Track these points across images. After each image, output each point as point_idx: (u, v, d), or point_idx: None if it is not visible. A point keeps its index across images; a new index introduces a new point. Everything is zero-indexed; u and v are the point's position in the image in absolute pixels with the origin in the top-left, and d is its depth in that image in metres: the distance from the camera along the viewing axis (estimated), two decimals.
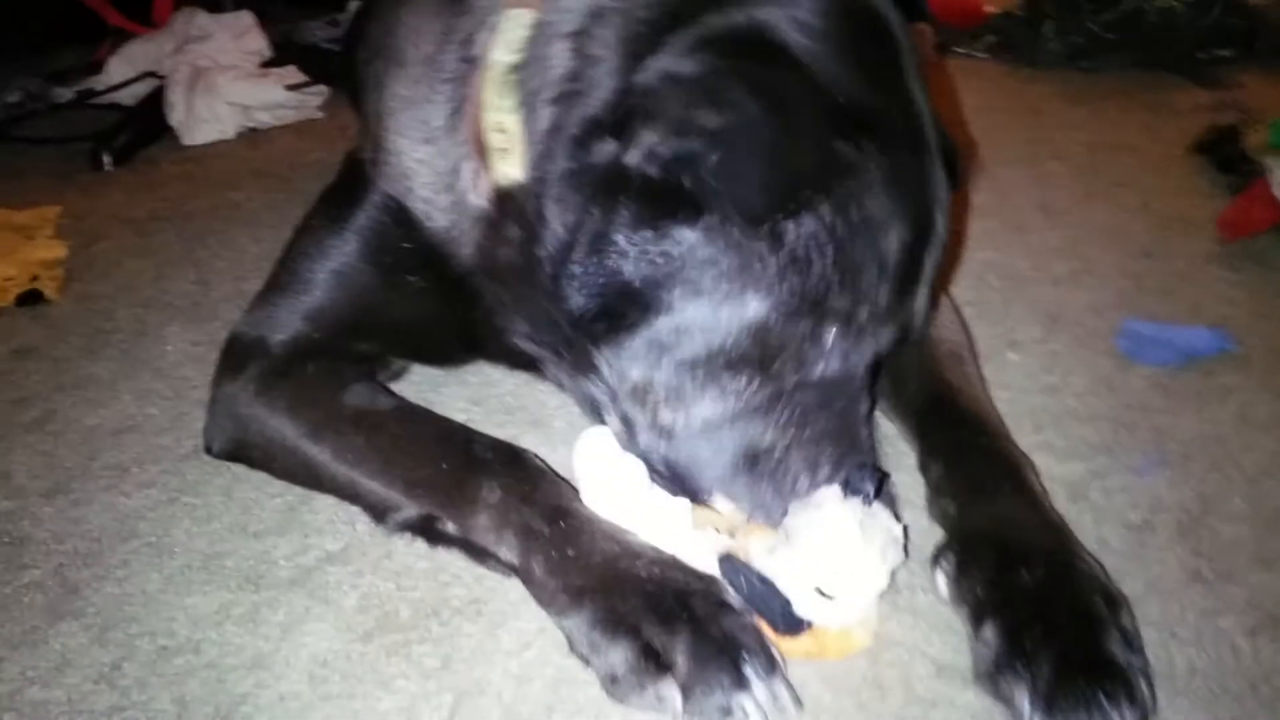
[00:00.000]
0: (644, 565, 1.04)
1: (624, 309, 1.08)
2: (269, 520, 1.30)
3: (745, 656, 0.95)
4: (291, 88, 2.94)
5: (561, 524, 1.10)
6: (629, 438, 1.16)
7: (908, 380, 1.33)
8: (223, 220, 2.28)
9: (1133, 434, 1.33)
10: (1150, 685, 0.94)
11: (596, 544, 1.07)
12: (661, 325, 1.08)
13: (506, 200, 1.21)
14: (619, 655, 0.99)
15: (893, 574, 1.05)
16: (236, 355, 1.39)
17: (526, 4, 1.18)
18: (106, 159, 2.66)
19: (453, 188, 1.30)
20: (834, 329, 1.07)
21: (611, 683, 0.99)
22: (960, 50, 3.05)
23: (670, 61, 1.05)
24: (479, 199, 1.25)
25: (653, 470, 1.15)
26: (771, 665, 0.96)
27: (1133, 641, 0.97)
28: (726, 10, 1.06)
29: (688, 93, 1.02)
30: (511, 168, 1.18)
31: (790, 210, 1.01)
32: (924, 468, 1.24)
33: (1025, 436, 1.27)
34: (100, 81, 3.11)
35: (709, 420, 1.10)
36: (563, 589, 1.05)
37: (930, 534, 1.17)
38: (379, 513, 1.24)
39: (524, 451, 1.21)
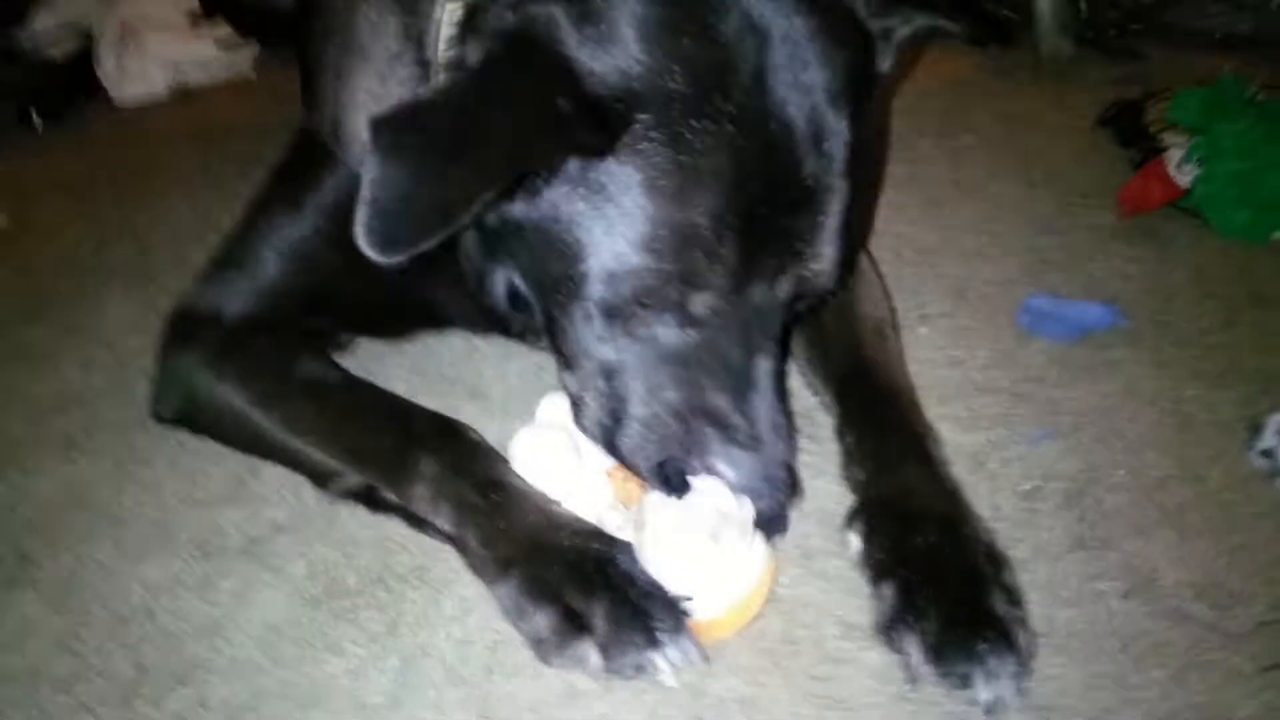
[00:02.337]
0: (566, 536, 1.12)
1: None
2: (217, 490, 1.36)
3: (656, 618, 1.04)
4: (222, 45, 2.93)
5: (493, 496, 1.17)
6: (565, 390, 1.23)
7: (830, 353, 1.42)
8: (159, 183, 2.30)
9: (1029, 406, 1.43)
10: (1029, 637, 1.05)
11: (525, 516, 1.15)
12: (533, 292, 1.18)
13: None
14: (543, 620, 1.07)
15: (769, 539, 1.13)
16: (187, 326, 1.44)
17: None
18: (36, 118, 2.65)
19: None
20: (675, 284, 1.07)
21: (538, 644, 1.08)
22: None
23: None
24: None
25: (580, 418, 1.21)
26: (680, 625, 1.05)
27: (1014, 598, 1.08)
28: (526, 7, 1.07)
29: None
30: None
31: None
32: (840, 436, 1.33)
33: (932, 408, 1.36)
34: (23, 33, 3.06)
35: (595, 378, 1.17)
36: (493, 559, 1.14)
37: (845, 499, 1.27)
38: (322, 480, 1.31)
39: (461, 425, 1.28)
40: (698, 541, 1.07)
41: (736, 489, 1.12)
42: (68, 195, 2.27)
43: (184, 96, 2.84)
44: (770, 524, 1.14)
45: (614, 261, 1.06)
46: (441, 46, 1.21)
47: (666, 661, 1.03)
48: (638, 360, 1.13)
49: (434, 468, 1.21)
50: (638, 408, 1.15)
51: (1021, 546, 1.20)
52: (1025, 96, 2.52)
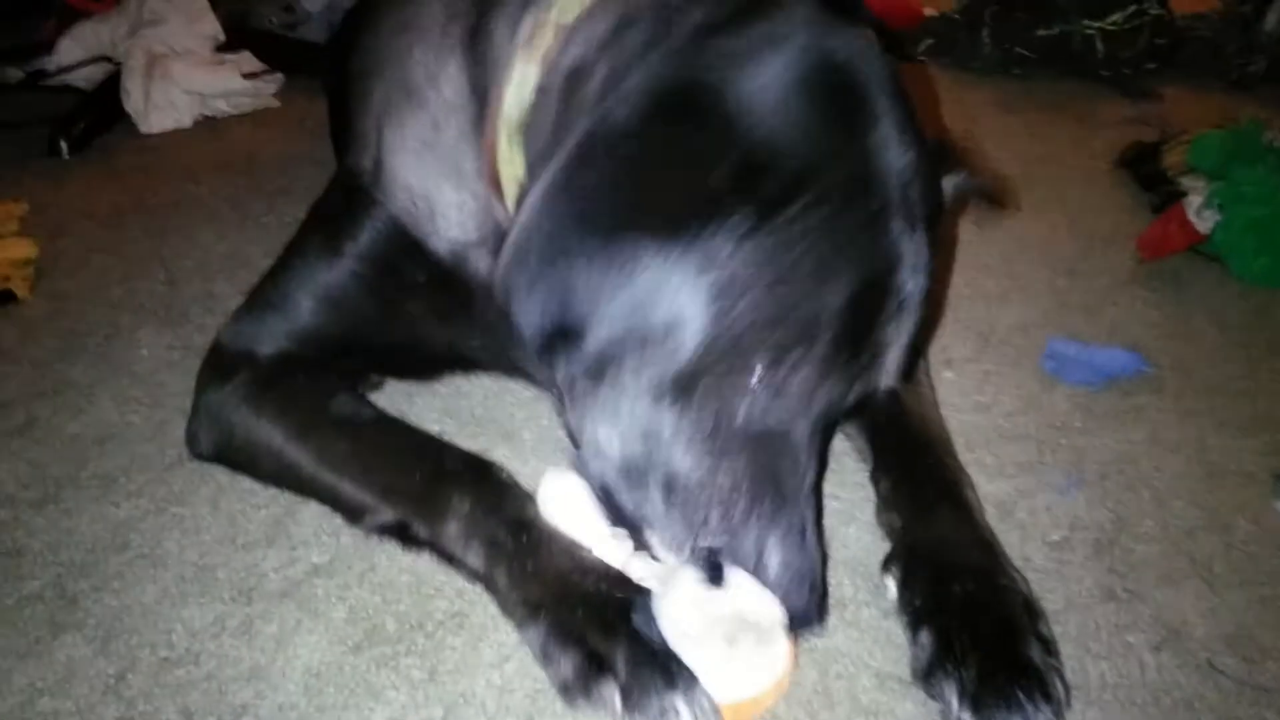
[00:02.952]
0: (592, 581, 1.14)
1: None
2: (256, 532, 1.37)
3: (676, 661, 1.06)
4: (248, 76, 2.96)
5: (524, 537, 1.20)
6: (576, 453, 1.22)
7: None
8: (186, 215, 2.32)
9: (1055, 454, 1.46)
10: (1064, 686, 1.07)
11: (553, 559, 1.18)
12: (594, 345, 1.12)
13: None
14: (568, 663, 1.09)
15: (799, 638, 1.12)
16: (222, 364, 1.46)
17: (533, 58, 1.24)
18: (64, 146, 2.68)
19: (470, 224, 1.38)
20: (759, 367, 1.08)
21: (564, 690, 1.10)
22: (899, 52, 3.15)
23: (608, 106, 1.07)
24: (479, 228, 1.36)
25: (593, 489, 1.20)
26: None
27: (1050, 647, 1.10)
28: (678, 69, 1.09)
29: (602, 135, 1.05)
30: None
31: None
32: (875, 481, 1.36)
33: (960, 454, 1.39)
34: (51, 62, 3.10)
35: (636, 444, 1.14)
36: (521, 600, 1.17)
37: (875, 548, 1.29)
38: (356, 515, 1.33)
39: (493, 465, 1.30)
40: (712, 645, 1.06)
41: (775, 585, 1.10)
42: (96, 225, 2.30)
43: (209, 127, 2.88)
44: (804, 623, 1.12)
45: (723, 335, 1.05)
46: (512, 106, 1.23)
47: (685, 704, 1.04)
48: (701, 432, 1.10)
49: (465, 506, 1.24)
50: (687, 481, 1.12)
51: (1052, 597, 1.22)
52: (1041, 137, 2.56)
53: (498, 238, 1.30)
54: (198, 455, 1.47)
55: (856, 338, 1.09)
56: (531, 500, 1.25)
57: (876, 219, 1.08)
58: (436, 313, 1.45)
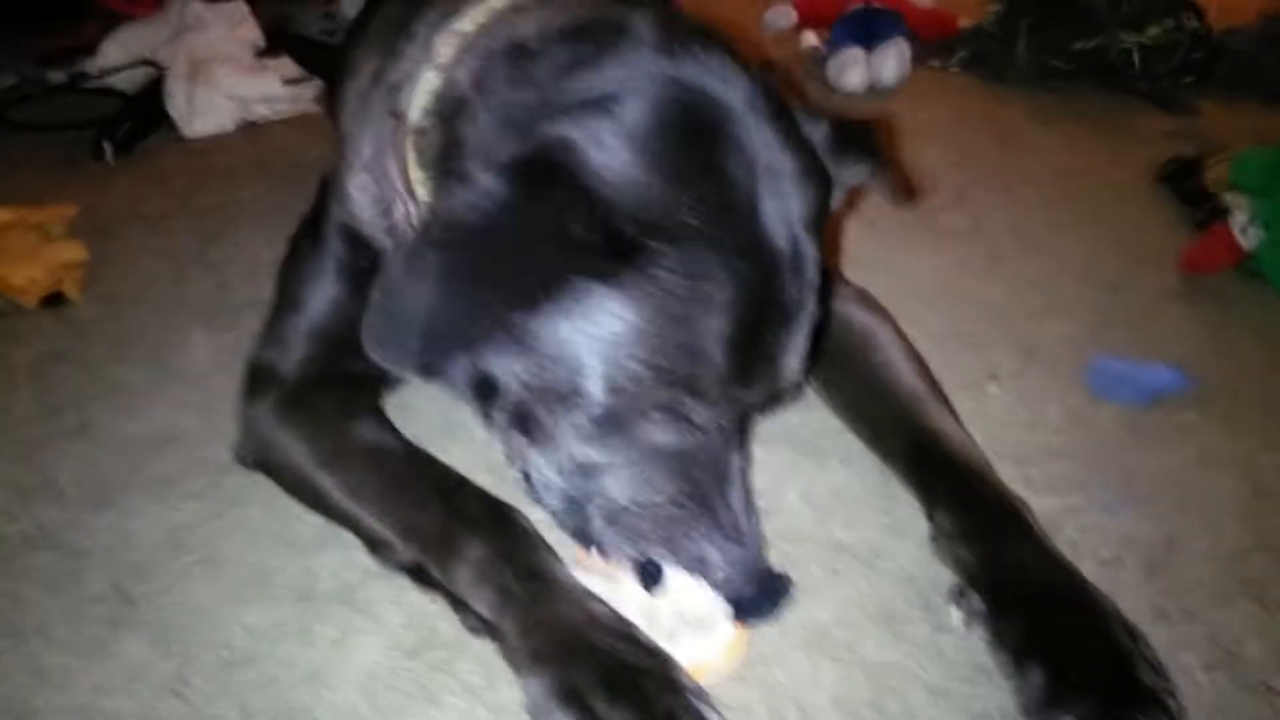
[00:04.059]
0: (602, 637, 1.11)
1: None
2: (311, 535, 1.39)
3: None
4: (289, 81, 2.99)
5: (535, 586, 1.17)
6: (527, 488, 1.29)
7: (885, 430, 1.46)
8: (232, 219, 2.35)
9: (1104, 471, 1.46)
10: (1180, 706, 1.07)
11: (564, 610, 1.15)
12: (513, 398, 1.21)
13: None
14: None
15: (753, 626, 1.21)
16: (256, 381, 1.49)
17: (434, 66, 1.29)
18: (108, 150, 2.71)
19: (389, 216, 1.41)
20: (659, 415, 1.15)
21: None
22: (934, 64, 3.16)
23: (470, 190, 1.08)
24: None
25: (549, 513, 1.28)
26: None
27: (1159, 669, 1.10)
28: (539, 124, 1.12)
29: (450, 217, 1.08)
30: None
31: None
32: (930, 516, 1.34)
33: (1007, 470, 1.39)
34: (92, 65, 3.14)
35: (574, 479, 1.23)
36: (527, 651, 1.13)
37: (924, 562, 1.30)
38: (376, 549, 1.32)
39: (511, 510, 1.28)
40: (657, 641, 1.14)
41: (719, 583, 1.19)
42: (144, 228, 2.32)
43: (250, 131, 2.90)
44: (753, 612, 1.20)
45: (621, 378, 1.12)
46: (416, 111, 1.29)
47: None
48: (626, 461, 1.19)
49: (479, 551, 1.21)
50: (622, 504, 1.21)
51: None
52: (1079, 150, 2.56)
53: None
54: (245, 465, 1.49)
55: (749, 353, 1.14)
56: (549, 549, 1.24)
57: (745, 243, 1.12)
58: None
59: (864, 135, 1.34)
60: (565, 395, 1.16)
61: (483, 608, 1.19)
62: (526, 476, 1.29)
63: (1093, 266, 2.01)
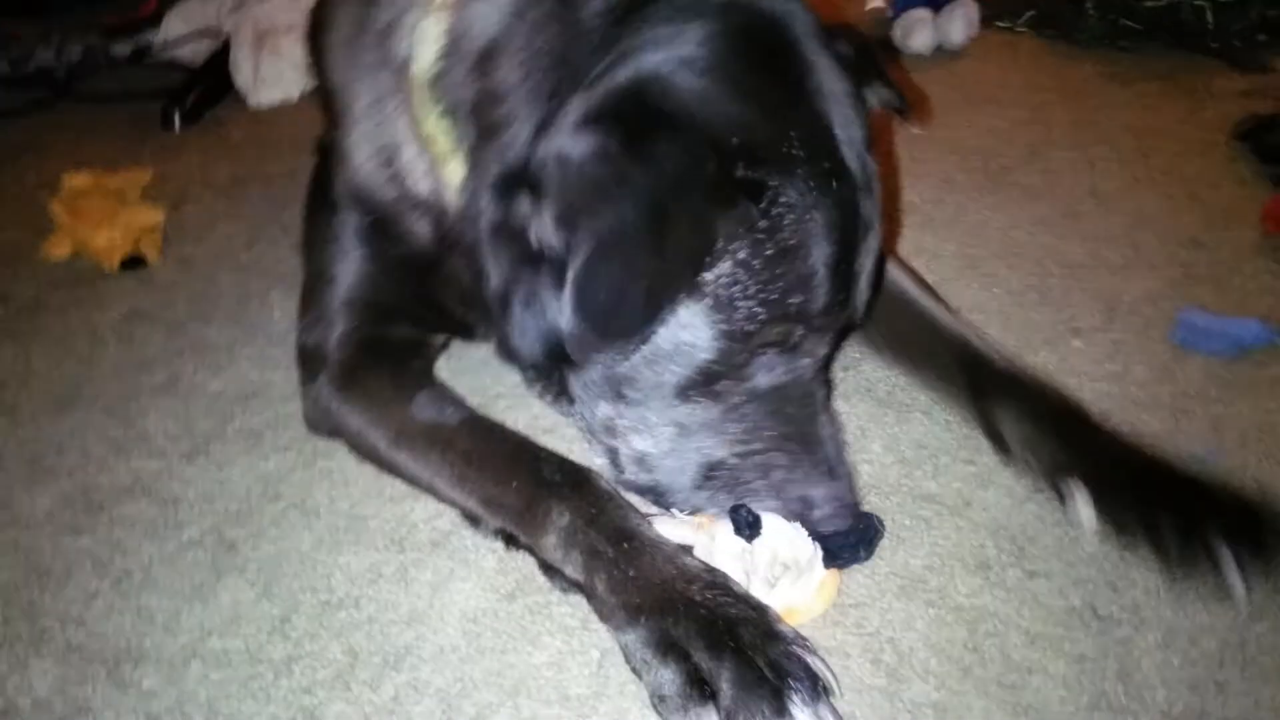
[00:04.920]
0: (698, 590, 1.10)
1: (568, 354, 1.15)
2: (401, 487, 1.41)
3: (790, 684, 1.01)
4: None
5: (625, 545, 1.15)
6: (610, 466, 1.30)
7: (933, 360, 1.50)
8: (301, 184, 2.33)
9: (1192, 422, 1.45)
10: None
11: (656, 566, 1.13)
12: (607, 366, 1.22)
13: (449, 210, 1.34)
14: (668, 675, 1.05)
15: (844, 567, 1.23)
16: (307, 362, 1.51)
17: (433, 12, 1.27)
18: (177, 119, 2.75)
19: (390, 165, 1.41)
20: (771, 351, 1.18)
21: (659, 701, 1.05)
22: (1002, 24, 3.12)
23: (563, 141, 1.09)
24: (424, 187, 1.38)
25: (635, 491, 1.29)
26: (816, 693, 1.01)
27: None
28: (614, 68, 1.11)
29: (576, 181, 1.07)
30: (451, 175, 1.30)
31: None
32: (1001, 424, 1.37)
33: None
34: (157, 37, 3.18)
35: (672, 442, 1.24)
36: (621, 606, 1.12)
37: (1015, 510, 1.30)
38: (468, 520, 1.33)
39: (592, 473, 1.25)
40: (755, 590, 1.15)
41: (819, 518, 1.20)
42: (216, 194, 2.36)
43: (312, 98, 2.93)
44: (847, 554, 1.22)
45: (743, 319, 1.13)
46: (422, 59, 1.27)
47: None
48: (726, 411, 1.21)
49: (566, 518, 1.20)
50: (721, 456, 1.23)
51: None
52: (1152, 109, 2.52)
53: (434, 201, 1.38)
54: (319, 434, 1.51)
55: (845, 274, 1.16)
56: (633, 509, 1.21)
57: (833, 167, 1.13)
58: (416, 271, 1.47)
59: (869, 53, 1.35)
60: (667, 358, 1.17)
61: (572, 570, 1.18)
62: (614, 454, 1.29)
63: (1172, 223, 1.98)
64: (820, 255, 1.12)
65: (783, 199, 1.09)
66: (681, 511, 1.26)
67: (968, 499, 1.34)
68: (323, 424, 1.49)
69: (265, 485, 1.44)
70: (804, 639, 1.07)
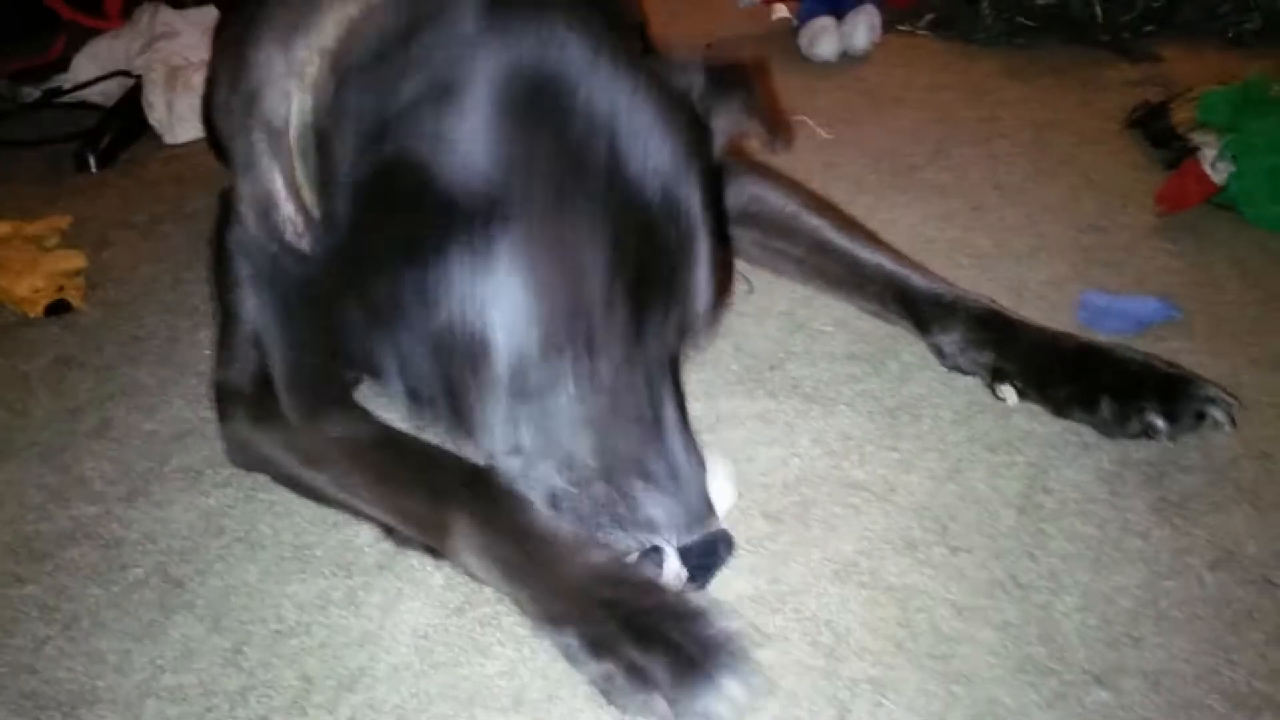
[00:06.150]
0: (613, 589, 1.14)
1: None
2: (343, 514, 1.43)
3: (718, 663, 1.08)
4: None
5: (528, 547, 1.19)
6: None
7: (858, 284, 1.72)
8: None
9: None
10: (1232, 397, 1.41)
11: (567, 569, 1.17)
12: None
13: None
14: (608, 670, 1.10)
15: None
16: (223, 399, 1.53)
17: (309, 83, 1.23)
18: (92, 161, 2.74)
19: (268, 220, 1.34)
20: (567, 362, 1.15)
21: (608, 690, 1.11)
22: (903, 28, 3.22)
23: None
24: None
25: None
26: (742, 668, 1.08)
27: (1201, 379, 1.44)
28: (384, 143, 1.12)
29: None
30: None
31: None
32: (942, 343, 1.59)
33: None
34: (66, 79, 3.15)
35: (522, 468, 1.23)
36: (546, 616, 1.17)
37: (937, 491, 1.36)
38: (387, 532, 1.36)
39: (489, 472, 1.26)
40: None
41: (666, 535, 1.20)
42: (138, 235, 2.35)
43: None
44: (698, 572, 1.23)
45: (514, 353, 1.12)
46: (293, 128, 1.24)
47: (731, 703, 1.07)
48: (548, 442, 1.20)
49: (466, 525, 1.23)
50: (560, 485, 1.22)
51: (1110, 525, 1.30)
52: (1050, 102, 2.63)
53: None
54: (242, 469, 1.53)
55: (636, 303, 1.14)
56: (530, 504, 1.23)
57: (610, 195, 1.11)
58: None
59: (737, 78, 1.37)
60: (475, 382, 1.16)
61: (493, 580, 1.23)
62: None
63: (1072, 210, 2.07)
64: (592, 286, 1.11)
65: (525, 235, 1.09)
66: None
67: (893, 484, 1.40)
68: (242, 458, 1.51)
69: (208, 521, 1.45)
70: (724, 620, 1.13)
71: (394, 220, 1.10)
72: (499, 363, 1.13)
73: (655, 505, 1.20)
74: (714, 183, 1.26)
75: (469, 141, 1.09)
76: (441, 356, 1.16)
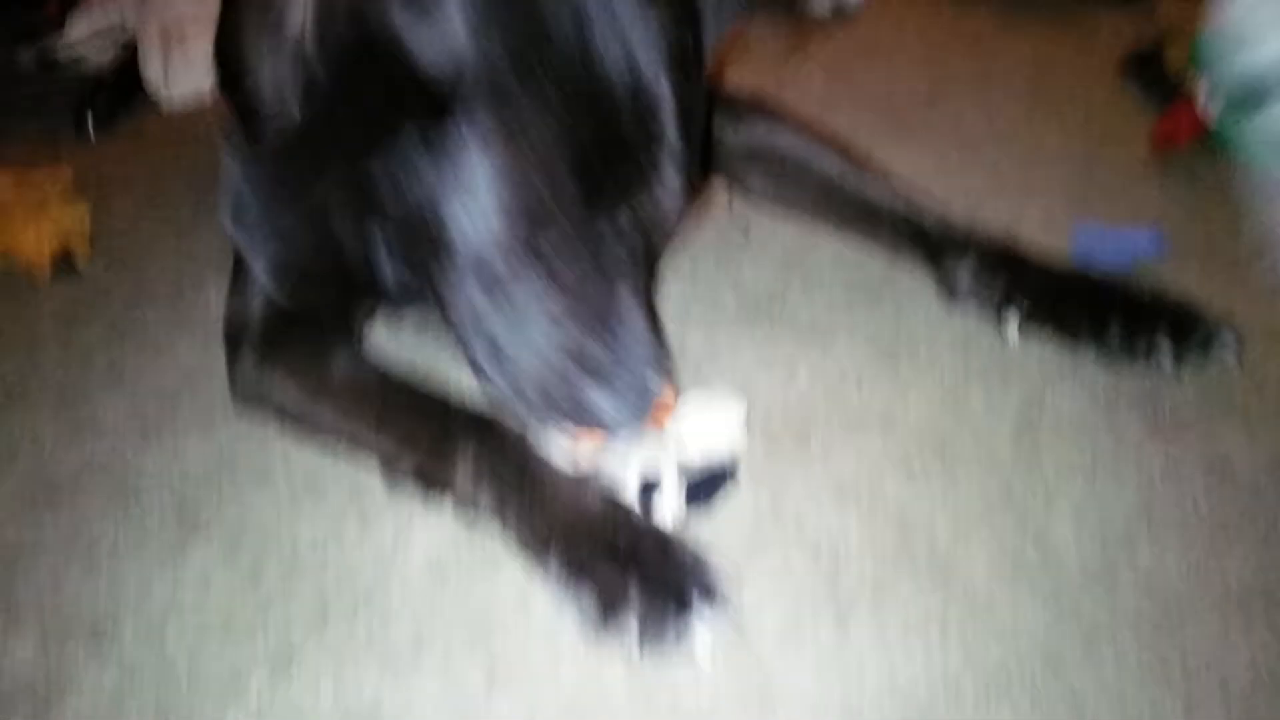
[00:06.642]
0: (598, 517, 1.20)
1: None
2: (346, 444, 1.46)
3: (691, 592, 1.12)
4: None
5: (528, 478, 1.25)
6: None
7: (884, 237, 1.72)
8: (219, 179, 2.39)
9: None
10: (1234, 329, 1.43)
11: (559, 498, 1.23)
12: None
13: None
14: (585, 595, 1.14)
15: None
16: (231, 340, 1.55)
17: None
18: (90, 121, 2.74)
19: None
20: (524, 251, 1.16)
21: (585, 622, 1.14)
22: None
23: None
24: None
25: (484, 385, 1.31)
26: (713, 597, 1.12)
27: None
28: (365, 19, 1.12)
29: None
30: None
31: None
32: (957, 279, 1.61)
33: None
34: (60, 40, 3.15)
35: (491, 332, 1.24)
36: (532, 538, 1.22)
37: (927, 417, 1.39)
38: (384, 461, 1.39)
39: (496, 418, 1.32)
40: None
41: (610, 428, 1.24)
42: (137, 193, 2.36)
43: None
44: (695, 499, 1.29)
45: (474, 242, 1.15)
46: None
47: (702, 621, 1.11)
48: (510, 327, 1.22)
49: (472, 451, 1.29)
50: (529, 361, 1.23)
51: (1104, 443, 1.33)
52: (1044, 51, 2.64)
53: None
54: (245, 413, 1.55)
55: (598, 177, 1.14)
56: (536, 448, 1.28)
57: (573, 82, 1.10)
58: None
59: None
60: (441, 257, 1.19)
61: (485, 503, 1.27)
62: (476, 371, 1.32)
63: (1066, 151, 2.09)
64: (550, 169, 1.11)
65: (486, 108, 1.09)
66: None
67: (890, 410, 1.43)
68: (248, 395, 1.54)
69: (220, 457, 1.48)
70: (698, 554, 1.17)
71: (365, 98, 1.09)
72: (461, 251, 1.16)
73: (602, 398, 1.22)
74: (698, 72, 1.24)
75: (436, 12, 1.08)
76: (413, 243, 1.20)
